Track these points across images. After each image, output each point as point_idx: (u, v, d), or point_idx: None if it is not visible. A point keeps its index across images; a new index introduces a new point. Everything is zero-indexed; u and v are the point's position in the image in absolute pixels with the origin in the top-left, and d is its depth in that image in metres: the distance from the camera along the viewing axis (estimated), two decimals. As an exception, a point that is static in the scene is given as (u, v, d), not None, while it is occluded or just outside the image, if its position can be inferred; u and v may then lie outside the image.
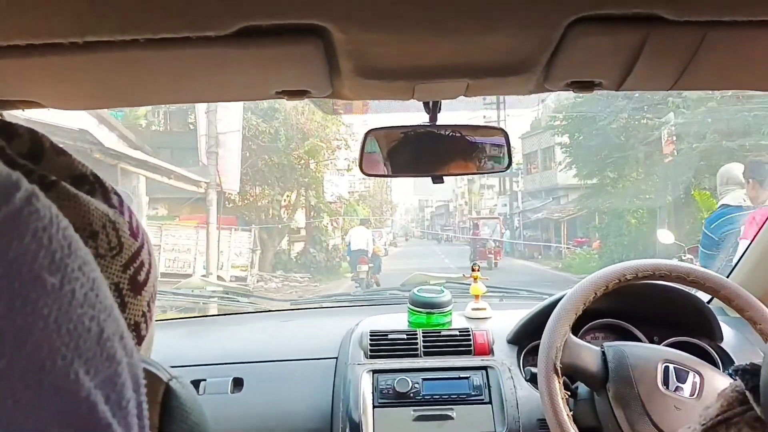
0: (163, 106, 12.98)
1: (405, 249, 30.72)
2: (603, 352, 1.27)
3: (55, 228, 0.30)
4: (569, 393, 1.23)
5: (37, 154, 0.40)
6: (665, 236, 5.22)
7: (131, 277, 0.44)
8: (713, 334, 1.49)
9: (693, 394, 1.19)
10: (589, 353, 1.26)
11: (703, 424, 0.60)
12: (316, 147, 17.33)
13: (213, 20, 0.73)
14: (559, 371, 1.19)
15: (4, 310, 0.27)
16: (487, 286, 1.80)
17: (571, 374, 1.25)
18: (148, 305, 0.48)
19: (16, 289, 0.27)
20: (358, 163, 1.17)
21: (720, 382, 1.25)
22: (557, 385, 1.18)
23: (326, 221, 19.08)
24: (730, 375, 0.63)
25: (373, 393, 1.41)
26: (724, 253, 3.04)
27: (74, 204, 0.40)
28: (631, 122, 15.94)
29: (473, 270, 1.78)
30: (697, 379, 1.22)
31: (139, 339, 0.47)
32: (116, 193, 0.45)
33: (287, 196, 17.83)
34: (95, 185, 0.43)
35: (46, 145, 0.41)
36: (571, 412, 1.19)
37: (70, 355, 0.29)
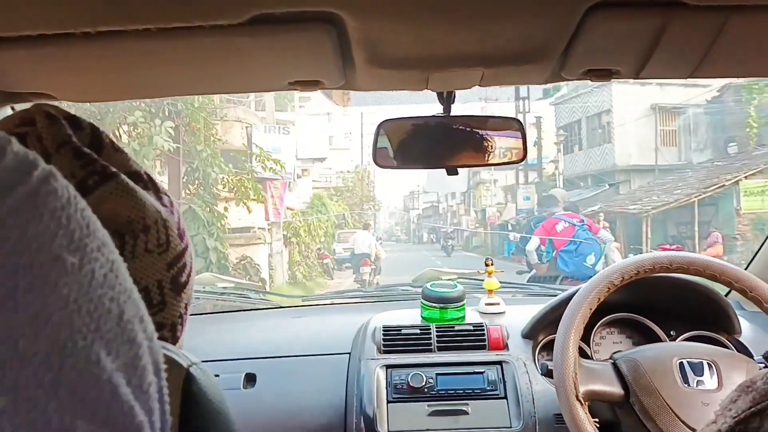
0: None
1: (397, 255, 23.49)
2: (614, 364, 1.25)
3: (74, 208, 0.30)
4: (597, 420, 1.19)
5: (97, 147, 0.41)
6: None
7: (173, 276, 0.45)
8: (731, 327, 1.47)
9: (714, 385, 1.17)
10: (603, 373, 1.23)
11: (735, 417, 0.58)
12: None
13: (226, 8, 0.73)
14: (582, 400, 1.15)
15: (24, 290, 0.26)
16: (500, 282, 1.79)
17: (592, 399, 1.20)
18: (185, 308, 0.48)
19: (35, 269, 0.27)
20: (372, 155, 1.16)
21: (735, 362, 1.24)
22: (583, 414, 1.15)
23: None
24: (761, 361, 0.61)
25: (386, 388, 1.40)
26: None
27: (131, 196, 0.41)
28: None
29: (487, 265, 1.76)
30: (714, 367, 1.21)
31: (175, 340, 0.47)
32: (166, 194, 0.46)
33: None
34: (148, 183, 0.44)
35: (106, 140, 0.42)
36: None
37: (91, 336, 0.28)
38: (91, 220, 0.31)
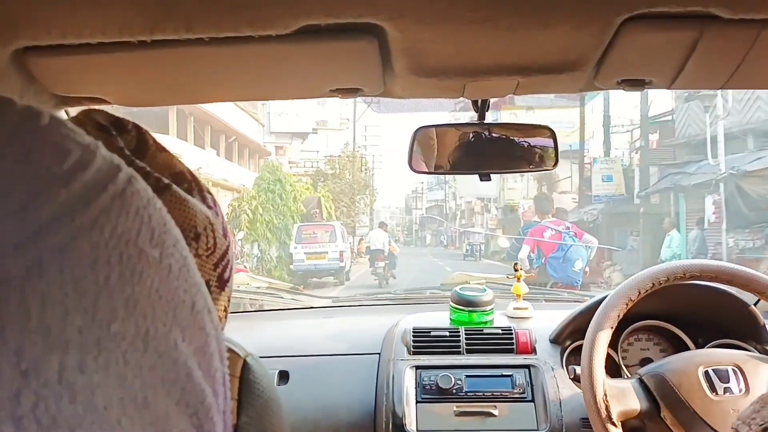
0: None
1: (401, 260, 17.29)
2: (641, 380, 1.26)
3: (153, 207, 0.33)
4: None
5: (142, 150, 0.42)
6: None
7: (219, 274, 0.47)
8: (759, 336, 1.47)
9: (741, 390, 1.18)
10: (630, 391, 1.24)
11: (762, 425, 0.59)
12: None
13: (276, 20, 0.77)
14: (616, 422, 1.17)
15: (116, 278, 0.29)
16: (528, 286, 1.80)
17: (624, 419, 1.21)
18: (228, 300, 0.51)
19: (124, 260, 0.30)
20: (407, 161, 1.20)
21: (759, 365, 1.25)
22: None
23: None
24: None
25: (416, 388, 1.42)
26: None
27: (184, 207, 0.42)
28: None
29: (515, 270, 1.78)
30: (739, 372, 1.22)
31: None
32: (209, 192, 0.48)
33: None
34: (192, 183, 0.46)
35: (150, 141, 0.43)
36: None
37: (170, 323, 0.32)
38: (167, 219, 0.35)
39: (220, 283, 0.48)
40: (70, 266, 0.28)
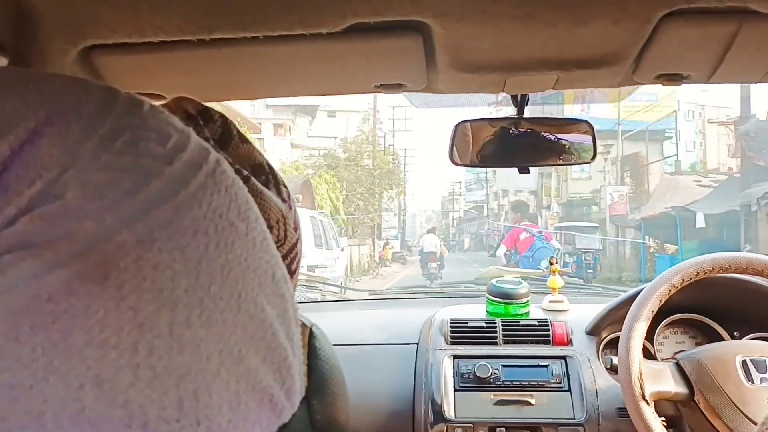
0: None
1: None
2: (677, 364, 1.28)
3: (238, 187, 0.37)
4: (663, 419, 1.22)
5: (226, 140, 0.44)
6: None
7: (287, 265, 0.47)
8: None
9: None
10: (667, 373, 1.26)
11: None
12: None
13: (326, 18, 0.81)
14: (649, 400, 1.19)
15: (213, 246, 0.33)
16: (564, 280, 1.82)
17: (657, 399, 1.24)
18: (294, 289, 0.54)
19: (219, 231, 0.34)
20: (448, 154, 1.23)
21: None
22: (651, 414, 1.18)
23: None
24: None
25: (454, 377, 1.46)
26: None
27: (260, 199, 0.43)
28: None
29: (551, 264, 1.80)
30: None
31: None
32: (285, 185, 0.49)
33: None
34: (269, 176, 0.47)
35: (234, 132, 0.45)
36: None
37: (256, 289, 0.35)
38: (249, 197, 0.39)
39: (288, 273, 0.51)
40: (176, 236, 0.32)
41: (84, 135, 0.31)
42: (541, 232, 9.23)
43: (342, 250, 13.95)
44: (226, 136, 0.45)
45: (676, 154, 22.98)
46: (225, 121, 0.46)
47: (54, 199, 0.29)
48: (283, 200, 0.47)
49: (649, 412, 1.17)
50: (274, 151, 15.46)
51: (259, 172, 0.46)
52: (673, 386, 1.24)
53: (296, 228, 0.50)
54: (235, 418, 0.33)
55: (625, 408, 1.22)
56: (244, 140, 0.47)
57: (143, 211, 0.31)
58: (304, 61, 0.95)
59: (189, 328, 0.32)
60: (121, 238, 0.30)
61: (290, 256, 0.50)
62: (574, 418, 1.38)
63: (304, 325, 0.47)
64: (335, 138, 22.52)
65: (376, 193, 22.37)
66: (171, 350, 0.31)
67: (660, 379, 1.23)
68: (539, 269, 7.09)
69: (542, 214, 28.33)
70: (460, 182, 49.45)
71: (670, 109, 21.10)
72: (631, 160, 22.58)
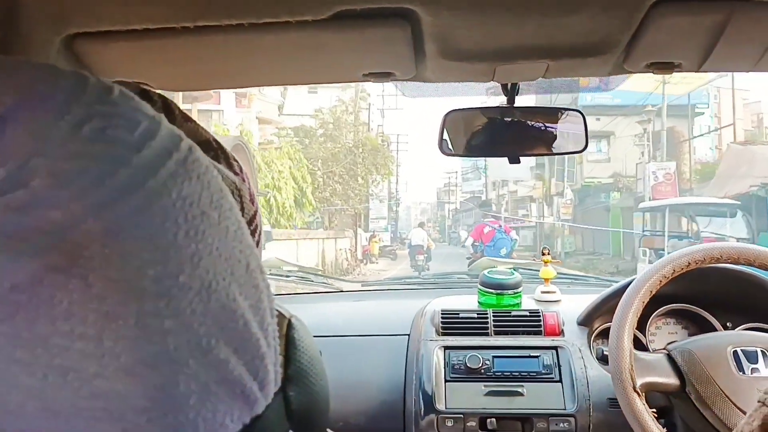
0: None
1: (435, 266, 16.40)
2: (668, 355, 1.28)
3: (211, 174, 0.37)
4: (654, 410, 1.21)
5: (169, 120, 0.45)
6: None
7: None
8: None
9: None
10: (658, 364, 1.26)
11: None
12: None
13: (312, 5, 0.80)
14: (640, 391, 1.18)
15: (183, 235, 0.33)
16: (556, 272, 1.82)
17: (648, 390, 1.23)
18: None
19: (189, 220, 0.33)
20: (437, 144, 1.22)
21: None
22: (641, 406, 1.18)
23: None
24: None
25: (444, 368, 1.45)
26: None
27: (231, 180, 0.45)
28: None
29: (543, 254, 1.80)
30: (766, 353, 1.23)
31: None
32: (235, 160, 0.49)
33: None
34: (218, 151, 0.47)
35: (176, 111, 0.45)
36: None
37: (228, 278, 0.35)
38: (222, 185, 0.38)
39: None
40: (145, 224, 0.31)
41: (52, 122, 0.31)
42: (501, 225, 11.90)
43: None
44: (169, 117, 0.43)
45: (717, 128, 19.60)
46: (165, 102, 0.45)
47: (20, 186, 0.29)
48: (235, 173, 0.47)
49: (640, 404, 1.17)
50: (238, 128, 12.96)
51: (207, 149, 0.46)
52: (664, 377, 1.23)
53: (252, 200, 0.50)
54: (204, 409, 0.32)
55: (616, 398, 1.22)
56: (187, 119, 0.47)
57: (111, 199, 0.30)
58: (291, 49, 0.94)
59: (156, 317, 0.31)
60: (88, 227, 0.29)
61: (251, 227, 0.49)
62: (565, 409, 1.38)
63: (282, 315, 0.46)
64: (319, 113, 19.14)
65: (358, 175, 18.82)
66: (138, 340, 0.30)
67: (651, 371, 1.23)
68: (500, 256, 9.66)
69: (552, 201, 25.63)
70: (456, 172, 48.35)
71: (701, 81, 17.75)
72: (667, 135, 19.18)
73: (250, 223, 0.49)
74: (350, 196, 18.37)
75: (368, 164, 19.30)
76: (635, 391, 1.17)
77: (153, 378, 0.31)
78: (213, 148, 0.47)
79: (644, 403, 1.18)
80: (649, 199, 16.75)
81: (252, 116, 14.58)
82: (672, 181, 17.85)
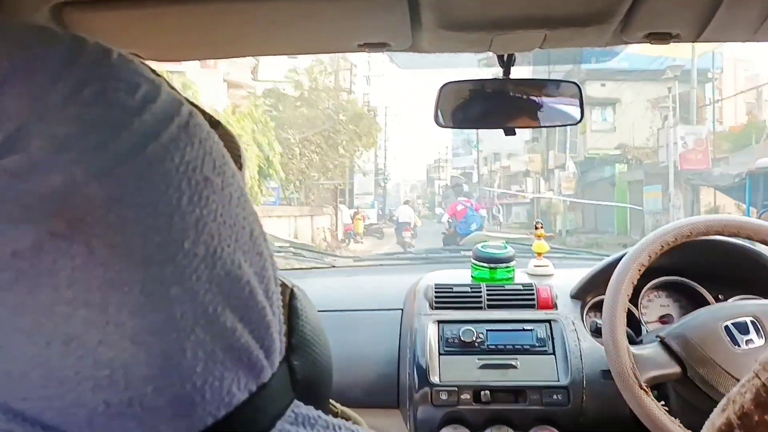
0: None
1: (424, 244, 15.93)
2: (663, 343, 1.27)
3: (213, 140, 0.36)
4: (663, 403, 1.20)
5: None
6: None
7: None
8: None
9: (762, 341, 1.20)
10: (655, 355, 1.25)
11: None
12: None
13: None
14: (646, 388, 1.17)
15: (186, 201, 0.32)
16: (550, 246, 1.82)
17: (653, 384, 1.22)
18: None
19: (192, 185, 0.32)
20: (433, 116, 1.21)
21: None
22: (651, 403, 1.16)
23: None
24: None
25: (438, 341, 1.46)
26: None
27: (232, 141, 0.45)
28: None
29: (536, 228, 1.80)
30: (757, 323, 1.24)
31: None
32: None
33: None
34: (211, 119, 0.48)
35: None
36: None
37: (233, 245, 0.34)
38: (224, 152, 0.37)
39: None
40: (147, 190, 0.31)
41: (49, 86, 0.30)
42: (472, 204, 13.83)
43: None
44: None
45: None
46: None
47: (17, 151, 0.28)
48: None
49: (649, 401, 1.15)
50: (205, 93, 11.23)
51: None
52: (665, 369, 1.22)
53: (241, 166, 0.50)
54: (211, 377, 0.32)
55: (609, 370, 1.22)
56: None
57: (112, 164, 0.30)
58: (286, 19, 0.92)
59: (161, 285, 0.30)
60: (90, 193, 0.29)
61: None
62: (558, 381, 1.38)
63: (285, 285, 0.46)
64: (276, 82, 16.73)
65: (339, 145, 16.76)
66: (142, 308, 0.30)
67: (652, 365, 1.22)
68: (470, 231, 11.28)
69: (552, 176, 23.30)
70: (447, 147, 47.47)
71: (710, 46, 16.39)
72: (682, 101, 17.39)
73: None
74: (329, 168, 16.94)
75: (351, 133, 17.17)
76: (642, 389, 1.16)
77: (159, 346, 0.30)
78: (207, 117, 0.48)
79: (653, 399, 1.16)
80: (677, 170, 14.65)
81: (219, 78, 12.80)
82: (704, 149, 15.97)
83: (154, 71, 0.44)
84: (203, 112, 0.43)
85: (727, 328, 1.24)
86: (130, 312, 0.30)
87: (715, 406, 1.16)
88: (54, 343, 0.28)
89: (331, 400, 0.53)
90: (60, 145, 0.29)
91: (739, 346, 1.21)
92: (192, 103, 0.42)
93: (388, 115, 30.62)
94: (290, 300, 0.46)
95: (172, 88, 0.43)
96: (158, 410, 0.30)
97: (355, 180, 23.22)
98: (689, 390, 1.24)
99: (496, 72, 1.17)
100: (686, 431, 1.13)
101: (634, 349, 1.23)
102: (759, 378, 0.63)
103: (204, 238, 0.33)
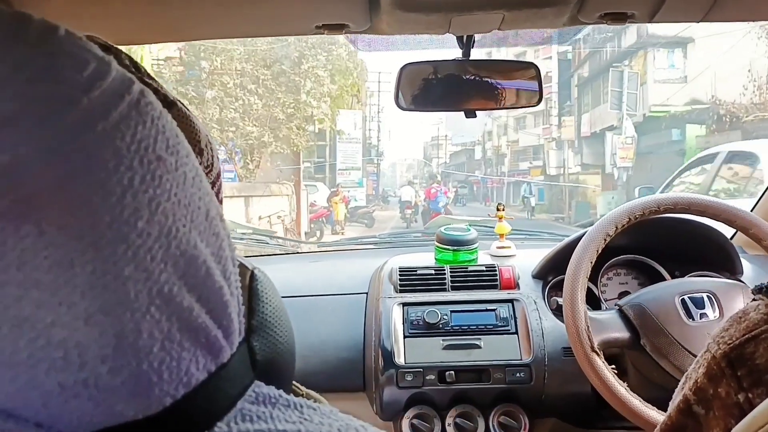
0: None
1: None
2: (620, 310, 1.32)
3: (165, 119, 0.35)
4: (614, 367, 1.26)
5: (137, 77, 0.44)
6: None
7: (215, 193, 0.48)
8: (734, 267, 1.53)
9: (716, 316, 1.24)
10: (612, 322, 1.30)
11: (729, 344, 0.62)
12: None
13: None
14: (598, 350, 1.22)
15: (139, 180, 0.31)
16: (512, 227, 1.84)
17: (605, 347, 1.27)
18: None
19: (145, 164, 0.32)
20: (393, 98, 1.21)
21: (732, 291, 1.32)
22: (601, 364, 1.21)
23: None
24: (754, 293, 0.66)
25: (403, 324, 1.47)
26: None
27: (189, 123, 0.44)
28: None
29: (498, 210, 1.82)
30: (713, 299, 1.28)
31: None
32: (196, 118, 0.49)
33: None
34: (182, 110, 0.46)
35: (143, 70, 0.44)
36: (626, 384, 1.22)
37: (188, 225, 0.34)
38: (178, 131, 0.36)
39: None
40: (97, 169, 0.30)
41: None
42: (441, 189, 19.27)
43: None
44: (138, 73, 0.43)
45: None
46: (132, 60, 0.44)
47: None
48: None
49: (600, 362, 1.20)
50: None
51: (169, 107, 0.46)
52: (618, 333, 1.27)
53: (217, 156, 0.49)
54: (168, 357, 0.31)
55: (570, 348, 1.25)
56: (152, 78, 0.45)
57: (60, 142, 0.29)
58: (242, 0, 0.90)
59: (114, 264, 0.30)
60: (38, 172, 0.28)
61: (217, 184, 0.49)
62: (521, 359, 1.41)
63: (245, 267, 0.45)
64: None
65: (301, 90, 11.29)
66: (95, 288, 0.29)
67: (605, 329, 1.27)
68: (438, 208, 16.36)
69: (578, 147, 19.41)
70: (442, 120, 42.26)
71: None
72: None
73: (217, 178, 0.49)
74: (281, 121, 10.82)
75: (320, 69, 11.33)
76: (594, 351, 1.21)
77: (113, 326, 0.30)
78: (177, 106, 0.46)
79: (603, 361, 1.21)
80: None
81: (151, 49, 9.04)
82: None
83: (105, 47, 0.43)
84: (158, 92, 0.42)
85: (683, 301, 1.28)
86: (83, 292, 0.29)
87: (666, 376, 1.21)
88: (5, 326, 0.28)
89: (295, 383, 0.53)
90: (3, 121, 0.28)
91: (693, 319, 1.25)
92: (147, 82, 0.42)
93: (381, 82, 26.21)
94: (250, 282, 0.45)
95: (124, 66, 0.42)
96: (114, 390, 0.30)
97: (338, 151, 20.03)
98: (639, 357, 1.28)
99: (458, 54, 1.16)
100: (632, 394, 1.18)
101: (591, 313, 1.27)
102: (709, 351, 0.64)
103: (158, 218, 0.32)
